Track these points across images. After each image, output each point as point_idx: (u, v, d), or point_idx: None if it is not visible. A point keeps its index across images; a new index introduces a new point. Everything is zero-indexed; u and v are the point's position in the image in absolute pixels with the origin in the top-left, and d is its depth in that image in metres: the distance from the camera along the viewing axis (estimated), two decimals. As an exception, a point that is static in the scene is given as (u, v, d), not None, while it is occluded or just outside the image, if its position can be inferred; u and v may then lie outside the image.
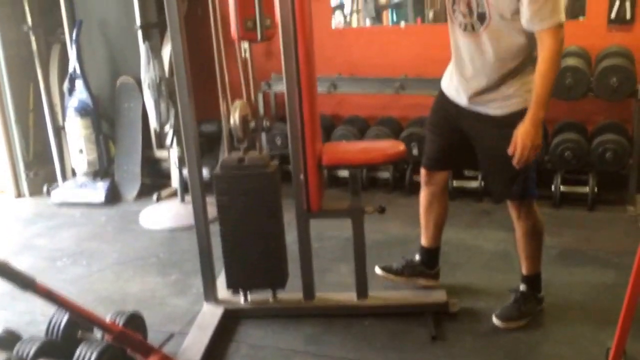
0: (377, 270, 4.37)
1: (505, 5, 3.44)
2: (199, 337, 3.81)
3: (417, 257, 4.37)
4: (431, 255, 4.36)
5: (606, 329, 3.08)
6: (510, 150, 3.51)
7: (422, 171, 4.21)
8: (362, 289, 4.08)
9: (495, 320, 3.92)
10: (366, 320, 4.01)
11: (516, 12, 3.43)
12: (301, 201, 3.88)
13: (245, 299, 4.12)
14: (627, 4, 5.63)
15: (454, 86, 3.86)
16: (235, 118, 3.75)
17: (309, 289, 4.09)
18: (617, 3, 5.65)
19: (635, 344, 3.26)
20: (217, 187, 3.85)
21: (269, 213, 3.88)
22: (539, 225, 3.95)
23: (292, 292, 4.11)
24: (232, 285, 4.07)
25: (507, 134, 3.54)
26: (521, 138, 3.47)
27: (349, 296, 4.12)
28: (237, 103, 3.80)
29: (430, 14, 6.59)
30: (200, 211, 3.99)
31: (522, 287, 4.03)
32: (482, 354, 3.66)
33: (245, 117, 3.79)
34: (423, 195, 4.24)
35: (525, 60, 3.59)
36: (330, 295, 4.20)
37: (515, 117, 3.54)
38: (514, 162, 3.52)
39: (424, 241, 4.34)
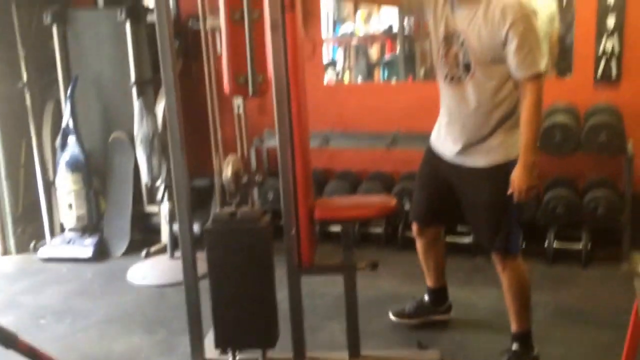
0: (391, 317, 4.49)
1: (489, 53, 3.60)
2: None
3: (426, 298, 4.50)
4: (438, 295, 4.53)
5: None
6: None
7: (414, 225, 4.32)
8: (354, 349, 4.01)
9: None
10: None
11: (499, 61, 3.58)
12: (293, 257, 3.83)
13: (234, 359, 4.03)
14: (613, 63, 5.68)
15: (442, 139, 3.98)
16: (227, 173, 3.74)
17: (299, 348, 3.99)
18: (603, 61, 5.70)
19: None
20: (208, 242, 3.79)
21: (261, 269, 3.82)
22: (523, 281, 3.99)
23: (282, 352, 4.00)
24: (221, 344, 3.95)
25: (490, 186, 3.73)
26: (517, 183, 3.61)
27: (341, 356, 4.04)
28: (230, 158, 3.79)
29: (422, 72, 6.64)
30: (189, 266, 3.95)
31: (514, 346, 4.02)
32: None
33: (238, 172, 3.79)
34: (418, 245, 4.40)
35: (509, 112, 3.71)
36: (322, 354, 4.12)
37: (498, 170, 3.70)
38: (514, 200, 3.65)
39: (429, 282, 4.49)
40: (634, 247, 5.47)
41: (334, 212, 4.05)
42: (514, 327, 4.03)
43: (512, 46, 3.50)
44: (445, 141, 3.94)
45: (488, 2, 3.57)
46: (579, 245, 5.58)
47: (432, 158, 4.08)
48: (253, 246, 3.78)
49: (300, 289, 3.92)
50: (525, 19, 3.50)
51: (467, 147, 3.81)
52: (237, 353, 4.00)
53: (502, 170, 3.68)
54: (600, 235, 5.66)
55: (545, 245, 5.64)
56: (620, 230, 5.53)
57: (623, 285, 5.14)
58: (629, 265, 5.41)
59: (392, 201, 4.12)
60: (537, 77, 3.54)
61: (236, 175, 3.77)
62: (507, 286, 3.99)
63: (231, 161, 3.78)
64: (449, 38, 3.74)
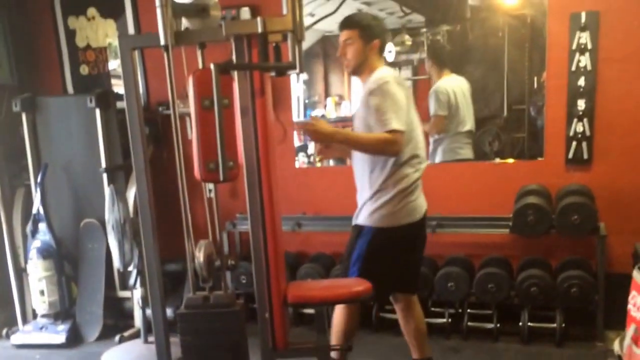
0: None
1: (362, 121, 4.28)
2: None
3: None
4: None
5: None
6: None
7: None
8: None
9: None
10: None
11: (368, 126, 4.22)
12: (267, 339, 3.81)
13: None
14: (584, 145, 5.75)
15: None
16: (200, 257, 3.73)
17: None
18: (574, 144, 5.77)
19: None
20: (182, 326, 3.75)
21: (235, 352, 3.78)
22: None
23: None
24: None
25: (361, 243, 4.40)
26: (317, 126, 4.18)
27: None
28: (202, 242, 3.78)
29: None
30: (162, 351, 3.90)
31: None
32: None
33: (210, 256, 3.77)
34: (398, 313, 4.71)
35: (387, 179, 4.27)
36: None
37: (374, 232, 4.34)
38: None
39: (415, 355, 4.66)
40: (608, 327, 5.48)
41: (306, 295, 4.01)
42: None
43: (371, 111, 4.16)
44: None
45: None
46: (554, 325, 5.58)
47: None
48: (227, 329, 3.75)
49: None
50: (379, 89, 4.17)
51: (361, 206, 4.49)
52: None
53: (378, 235, 4.37)
54: (574, 314, 5.67)
55: (520, 324, 5.64)
56: (594, 309, 5.54)
57: (598, 365, 5.15)
58: (603, 344, 5.42)
59: (366, 284, 4.11)
60: (389, 132, 4.08)
61: (209, 259, 3.76)
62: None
63: (203, 245, 3.77)
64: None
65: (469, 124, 6.46)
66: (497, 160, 6.12)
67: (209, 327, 3.74)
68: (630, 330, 2.54)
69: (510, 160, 6.18)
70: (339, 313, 4.48)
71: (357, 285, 4.13)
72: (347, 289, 4.12)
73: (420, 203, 4.43)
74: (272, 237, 3.72)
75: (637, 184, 5.70)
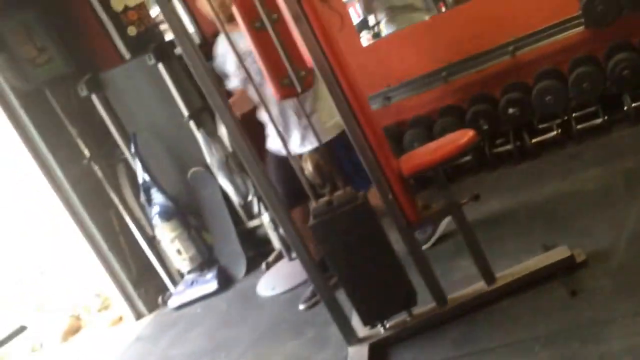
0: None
1: None
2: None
3: None
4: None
5: None
6: None
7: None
8: (488, 276, 4.05)
9: None
10: (504, 302, 3.99)
11: None
12: (399, 219, 3.90)
13: (385, 328, 4.12)
14: None
15: None
16: (308, 168, 3.83)
17: (438, 295, 4.08)
18: None
19: None
20: (317, 237, 3.90)
21: (375, 241, 3.91)
22: None
23: (425, 305, 4.11)
24: (368, 321, 4.09)
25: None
26: None
27: (479, 286, 4.10)
28: (305, 155, 3.88)
29: None
30: (308, 264, 4.03)
31: None
32: (625, 293, 3.59)
33: (318, 163, 3.86)
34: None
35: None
36: (461, 293, 4.17)
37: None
38: None
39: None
40: None
41: (420, 163, 4.08)
42: None
43: None
44: None
45: None
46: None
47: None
48: (360, 224, 3.87)
49: (416, 244, 4.03)
50: None
51: None
52: (386, 322, 4.12)
53: None
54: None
55: (625, 108, 5.57)
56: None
57: None
58: None
59: (470, 132, 4.15)
60: None
61: (317, 167, 3.85)
62: None
63: (308, 157, 3.87)
64: None
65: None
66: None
67: (342, 228, 3.86)
68: None
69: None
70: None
71: (462, 137, 4.17)
72: (454, 143, 4.16)
73: None
74: (365, 121, 3.77)
75: None
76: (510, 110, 5.79)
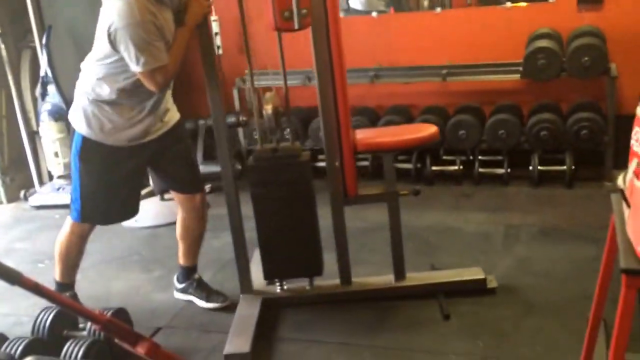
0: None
1: None
2: (243, 326, 3.83)
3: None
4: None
5: (588, 300, 3.14)
6: None
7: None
8: (400, 272, 4.12)
9: None
10: (398, 302, 4.05)
11: None
12: (337, 188, 3.94)
13: (282, 288, 4.13)
14: (597, -16, 5.64)
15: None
16: (268, 110, 3.78)
17: (345, 274, 4.12)
18: (586, -17, 5.66)
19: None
20: (252, 178, 3.90)
21: (304, 202, 3.93)
22: None
23: (328, 279, 4.15)
24: (270, 275, 4.09)
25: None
26: None
27: (388, 279, 4.14)
28: (269, 95, 3.84)
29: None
30: (234, 204, 4.01)
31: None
32: (466, 334, 3.70)
33: (277, 108, 3.83)
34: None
35: None
36: (367, 280, 4.22)
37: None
38: None
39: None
40: (617, 167, 5.51)
41: (376, 143, 4.10)
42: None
43: None
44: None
45: None
46: (563, 167, 5.63)
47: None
48: (296, 180, 3.87)
49: (344, 219, 4.04)
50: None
51: None
52: (284, 283, 4.13)
53: None
54: (584, 156, 5.72)
55: (530, 168, 5.68)
56: (603, 150, 5.59)
57: (606, 203, 5.20)
58: (612, 184, 5.46)
59: (432, 129, 4.18)
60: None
61: (275, 111, 3.81)
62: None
63: (271, 98, 3.82)
64: None
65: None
66: (509, 4, 5.96)
67: (278, 178, 3.86)
68: (632, 165, 2.56)
69: (523, 4, 6.00)
70: (64, 240, 4.32)
71: (424, 130, 4.23)
72: (414, 134, 4.21)
73: None
74: (341, 86, 3.81)
75: (650, 24, 5.63)
76: (422, 131, 5.79)
